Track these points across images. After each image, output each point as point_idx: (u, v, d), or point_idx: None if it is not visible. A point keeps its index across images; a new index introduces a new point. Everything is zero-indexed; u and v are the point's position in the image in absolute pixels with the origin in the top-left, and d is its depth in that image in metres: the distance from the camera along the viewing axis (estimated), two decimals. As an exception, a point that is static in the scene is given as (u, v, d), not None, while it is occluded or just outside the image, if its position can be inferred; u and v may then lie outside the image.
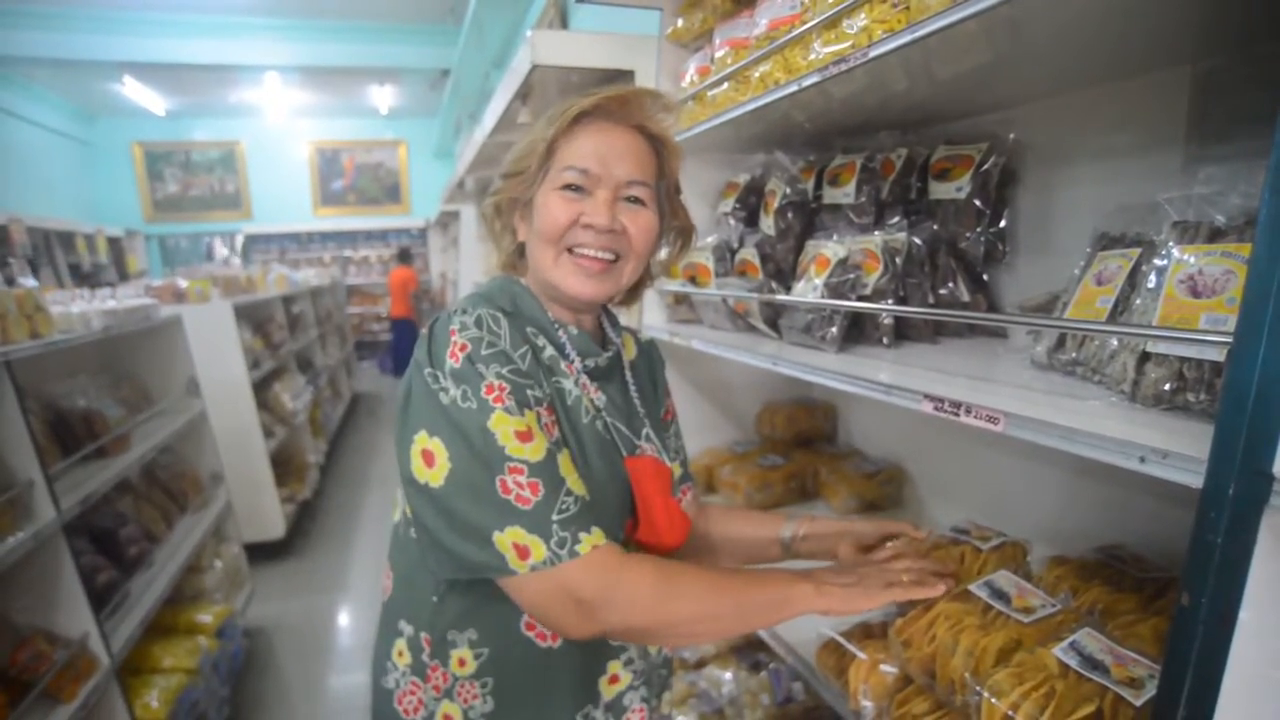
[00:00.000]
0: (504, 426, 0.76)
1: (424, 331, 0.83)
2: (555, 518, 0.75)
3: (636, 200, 0.88)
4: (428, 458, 0.77)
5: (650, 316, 1.94)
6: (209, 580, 2.86)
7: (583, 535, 0.75)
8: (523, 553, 0.74)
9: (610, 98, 0.87)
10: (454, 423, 0.76)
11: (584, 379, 0.92)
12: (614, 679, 0.93)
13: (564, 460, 0.79)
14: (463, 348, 0.78)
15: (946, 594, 0.89)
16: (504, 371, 0.78)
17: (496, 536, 0.75)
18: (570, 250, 0.87)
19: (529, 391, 0.79)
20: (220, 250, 9.98)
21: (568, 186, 0.86)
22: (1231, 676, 0.59)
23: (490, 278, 0.99)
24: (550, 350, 0.89)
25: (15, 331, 1.85)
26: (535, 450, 0.76)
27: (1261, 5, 0.81)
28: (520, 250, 0.96)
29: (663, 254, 1.03)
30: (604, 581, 0.75)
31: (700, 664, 1.86)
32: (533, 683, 0.88)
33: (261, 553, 3.83)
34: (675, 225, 1.00)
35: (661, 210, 0.94)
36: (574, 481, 0.78)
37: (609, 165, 0.86)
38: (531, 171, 0.88)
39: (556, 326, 0.92)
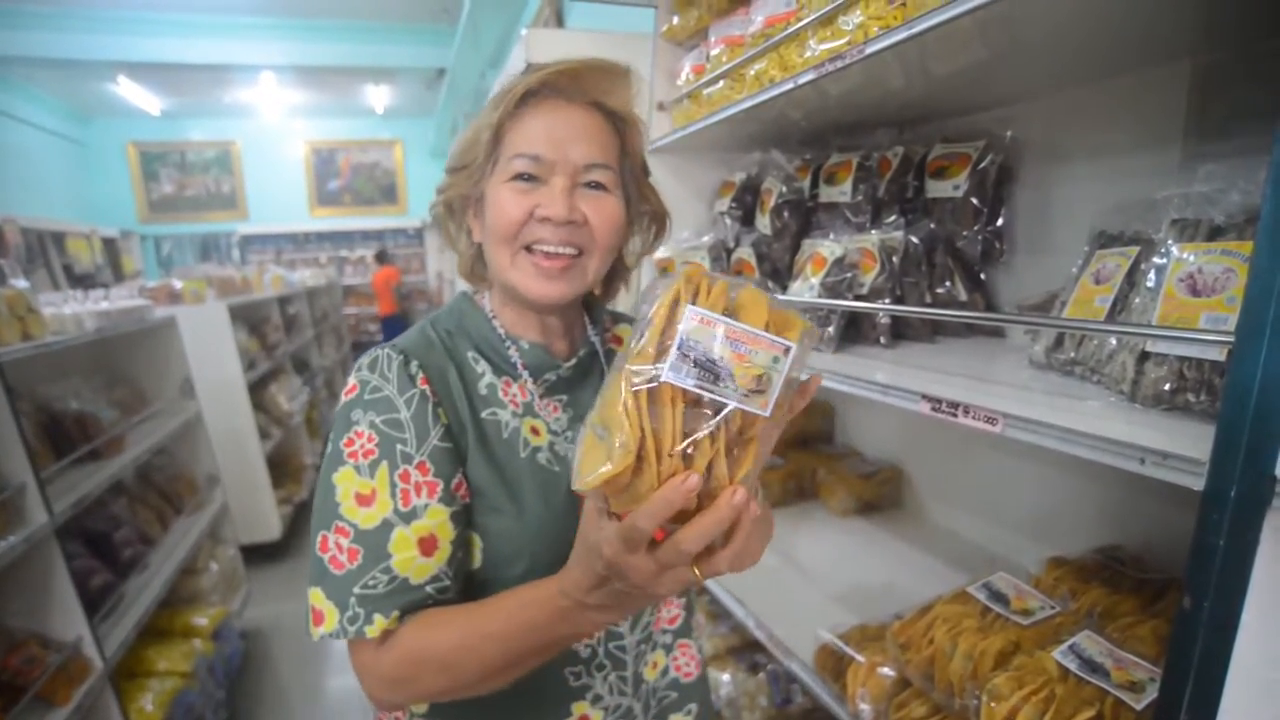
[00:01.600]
0: (346, 484, 0.72)
1: None
2: (356, 591, 0.70)
3: (597, 185, 0.78)
4: None
5: (646, 316, 1.92)
6: (205, 582, 2.85)
7: (376, 616, 0.70)
8: (317, 617, 0.72)
9: (559, 72, 0.77)
10: (322, 466, 0.75)
11: (537, 399, 0.84)
12: (583, 719, 0.85)
13: (401, 535, 0.72)
14: (350, 390, 0.76)
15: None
16: (378, 421, 0.73)
17: (309, 590, 0.73)
18: (529, 249, 0.78)
19: (398, 447, 0.73)
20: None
21: (519, 176, 0.76)
22: (1234, 681, 0.58)
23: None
24: (489, 377, 0.82)
25: (7, 333, 1.84)
26: (369, 517, 0.71)
27: (1260, 1, 0.80)
28: (480, 253, 0.87)
29: (635, 243, 0.92)
30: (363, 663, 0.73)
31: (698, 665, 1.85)
32: None
33: (258, 554, 3.81)
34: (646, 210, 0.89)
35: (628, 195, 0.85)
36: (403, 561, 0.71)
37: (564, 148, 0.76)
38: (479, 163, 0.79)
39: (507, 343, 0.84)
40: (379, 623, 0.70)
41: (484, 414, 0.80)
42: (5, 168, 7.40)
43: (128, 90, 8.01)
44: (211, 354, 3.48)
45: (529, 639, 0.67)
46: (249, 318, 4.35)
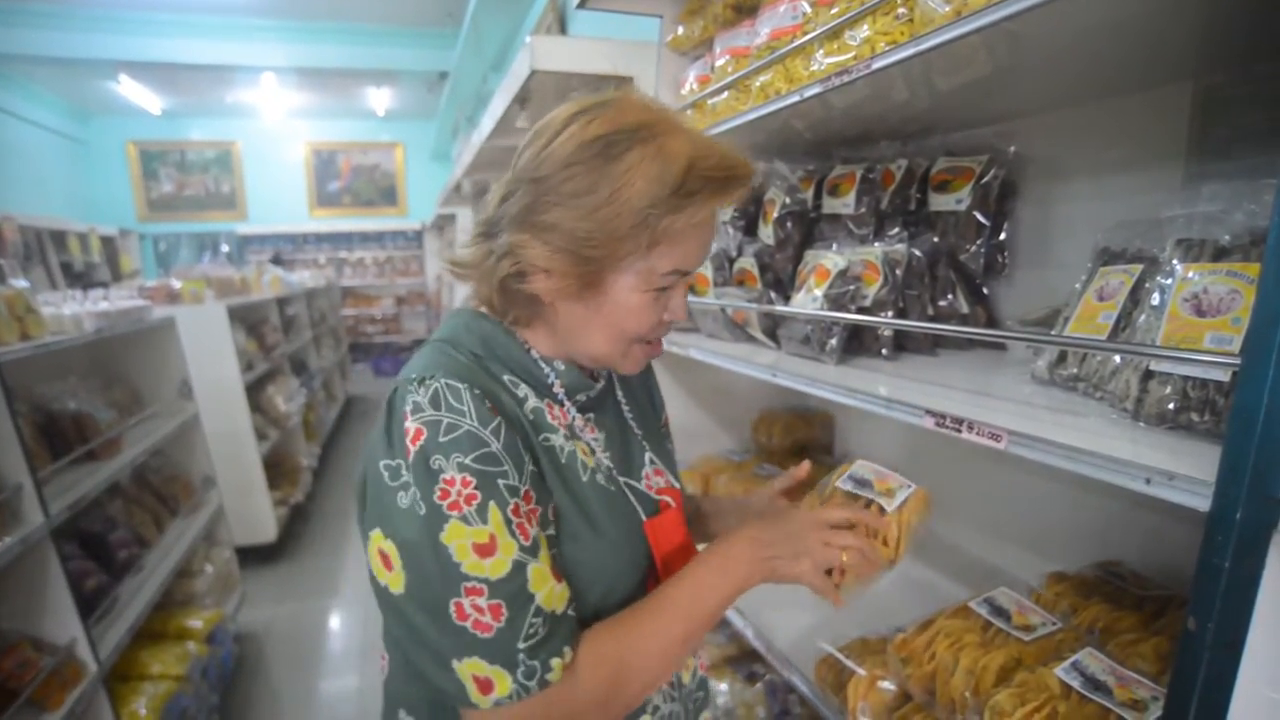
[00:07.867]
0: (460, 539, 0.65)
1: (383, 404, 0.72)
2: (521, 645, 0.66)
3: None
4: (385, 560, 0.69)
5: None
6: (199, 585, 2.83)
7: (554, 661, 0.68)
8: (484, 686, 0.66)
9: (737, 196, 0.74)
10: (408, 529, 0.67)
11: (577, 420, 0.82)
12: None
13: (536, 570, 0.68)
14: (417, 435, 0.67)
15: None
16: (468, 461, 0.66)
17: (455, 665, 0.67)
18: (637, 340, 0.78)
19: (500, 482, 0.67)
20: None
21: (661, 288, 0.74)
22: (1239, 703, 0.58)
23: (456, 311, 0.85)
24: (533, 400, 0.78)
25: (5, 333, 1.83)
26: (498, 565, 0.66)
27: (1264, 24, 0.80)
28: (517, 294, 0.78)
29: None
30: (560, 707, 0.70)
31: (695, 674, 1.84)
32: None
33: (253, 556, 3.79)
34: None
35: None
36: (547, 594, 0.69)
37: (702, 260, 0.77)
38: (619, 255, 0.71)
39: (543, 366, 0.81)
40: (558, 666, 0.68)
41: (538, 439, 0.75)
42: (5, 166, 7.39)
43: (129, 89, 8.01)
44: (209, 355, 3.46)
45: (703, 608, 0.75)
46: (247, 319, 4.34)
